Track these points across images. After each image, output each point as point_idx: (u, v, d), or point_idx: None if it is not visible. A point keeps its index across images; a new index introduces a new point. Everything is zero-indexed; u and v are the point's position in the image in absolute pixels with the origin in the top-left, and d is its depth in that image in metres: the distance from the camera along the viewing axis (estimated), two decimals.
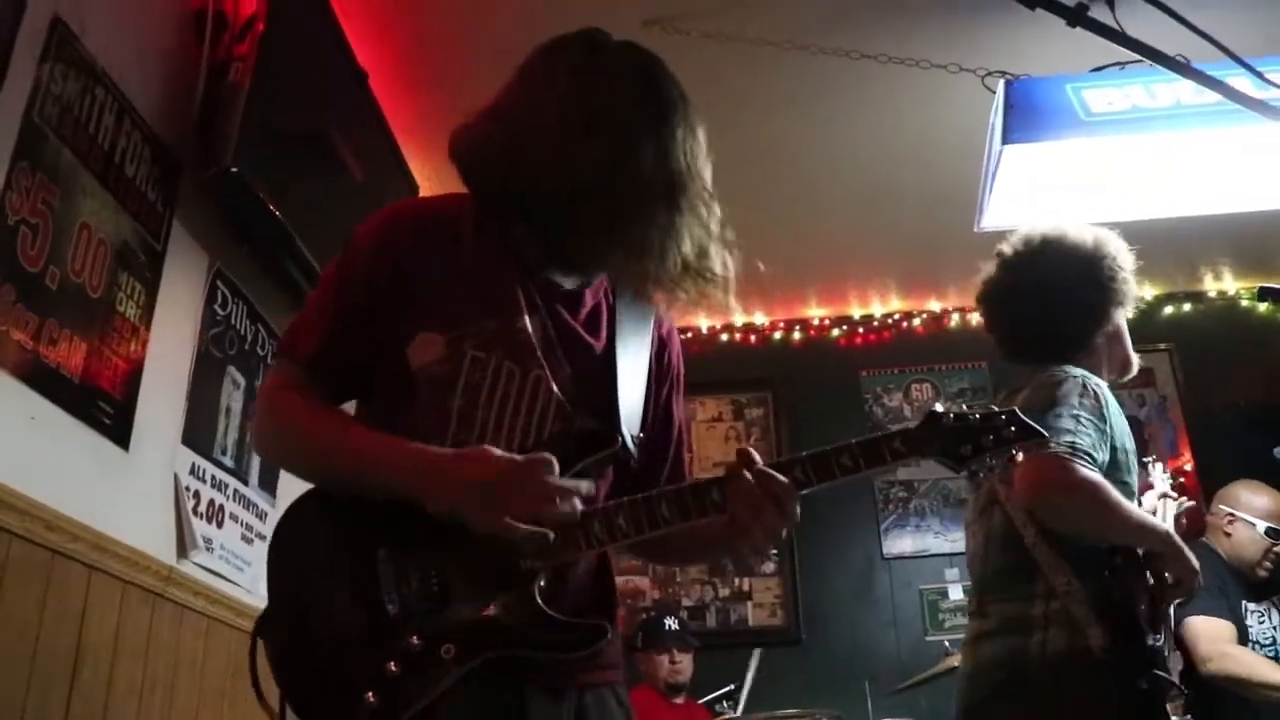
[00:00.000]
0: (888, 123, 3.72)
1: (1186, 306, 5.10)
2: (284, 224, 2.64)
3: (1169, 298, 5.10)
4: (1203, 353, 4.94)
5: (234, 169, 2.45)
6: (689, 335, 5.15)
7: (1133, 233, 3.99)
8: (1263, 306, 4.98)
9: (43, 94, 2.04)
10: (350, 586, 1.29)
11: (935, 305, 5.12)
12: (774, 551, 4.77)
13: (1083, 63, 2.99)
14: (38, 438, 2.00)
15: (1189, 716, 1.93)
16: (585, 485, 1.34)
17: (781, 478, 1.33)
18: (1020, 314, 2.27)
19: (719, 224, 1.50)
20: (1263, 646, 3.14)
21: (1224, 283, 5.05)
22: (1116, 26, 1.87)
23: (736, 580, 4.74)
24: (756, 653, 4.09)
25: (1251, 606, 3.21)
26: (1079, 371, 2.08)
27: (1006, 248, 2.33)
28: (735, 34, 3.29)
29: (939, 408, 1.38)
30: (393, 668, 1.24)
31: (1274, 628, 3.19)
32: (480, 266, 1.44)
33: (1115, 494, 1.90)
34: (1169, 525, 2.21)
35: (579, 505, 1.32)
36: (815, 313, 5.17)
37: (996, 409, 1.39)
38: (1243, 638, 3.10)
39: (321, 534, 1.34)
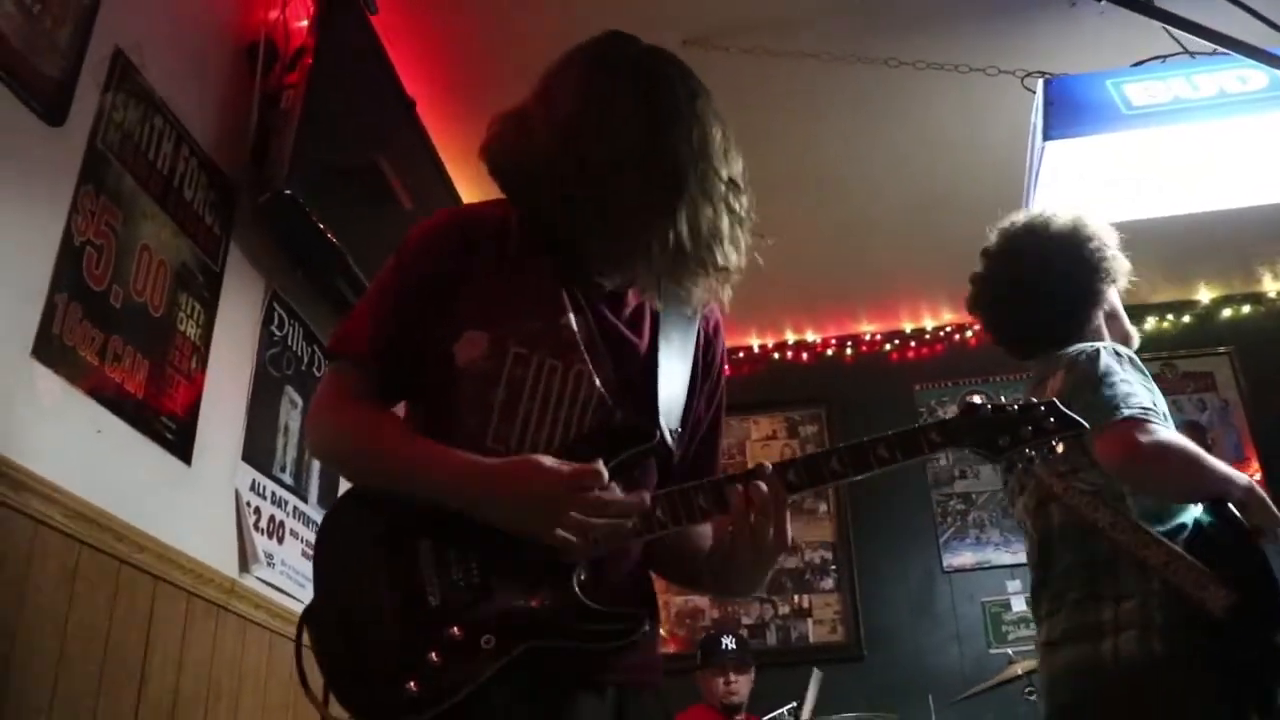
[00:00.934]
0: (930, 129, 3.73)
1: (1245, 308, 5.01)
2: (337, 245, 2.72)
3: (1226, 300, 5.02)
4: (1265, 355, 4.84)
5: (288, 191, 2.53)
6: (741, 355, 5.16)
7: (1185, 234, 3.97)
8: None
9: (105, 122, 2.14)
10: (393, 578, 1.31)
11: (989, 248, 5.07)
12: (833, 567, 4.74)
13: (1121, 59, 2.98)
14: (104, 450, 2.08)
15: None
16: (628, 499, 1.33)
17: (776, 483, 1.31)
18: (1019, 310, 2.26)
19: (742, 215, 1.50)
20: None
21: None
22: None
23: (796, 598, 4.71)
24: (816, 673, 4.06)
25: None
26: (1097, 344, 2.06)
27: (991, 247, 2.34)
28: (774, 49, 3.34)
29: (976, 399, 1.38)
30: (434, 657, 1.26)
31: None
32: (524, 269, 1.47)
33: (1197, 447, 1.87)
34: None
35: (628, 518, 1.32)
36: (867, 328, 5.16)
37: (1036, 400, 1.39)
38: None
39: (365, 528, 1.37)
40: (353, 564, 1.34)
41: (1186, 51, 2.99)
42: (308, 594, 2.73)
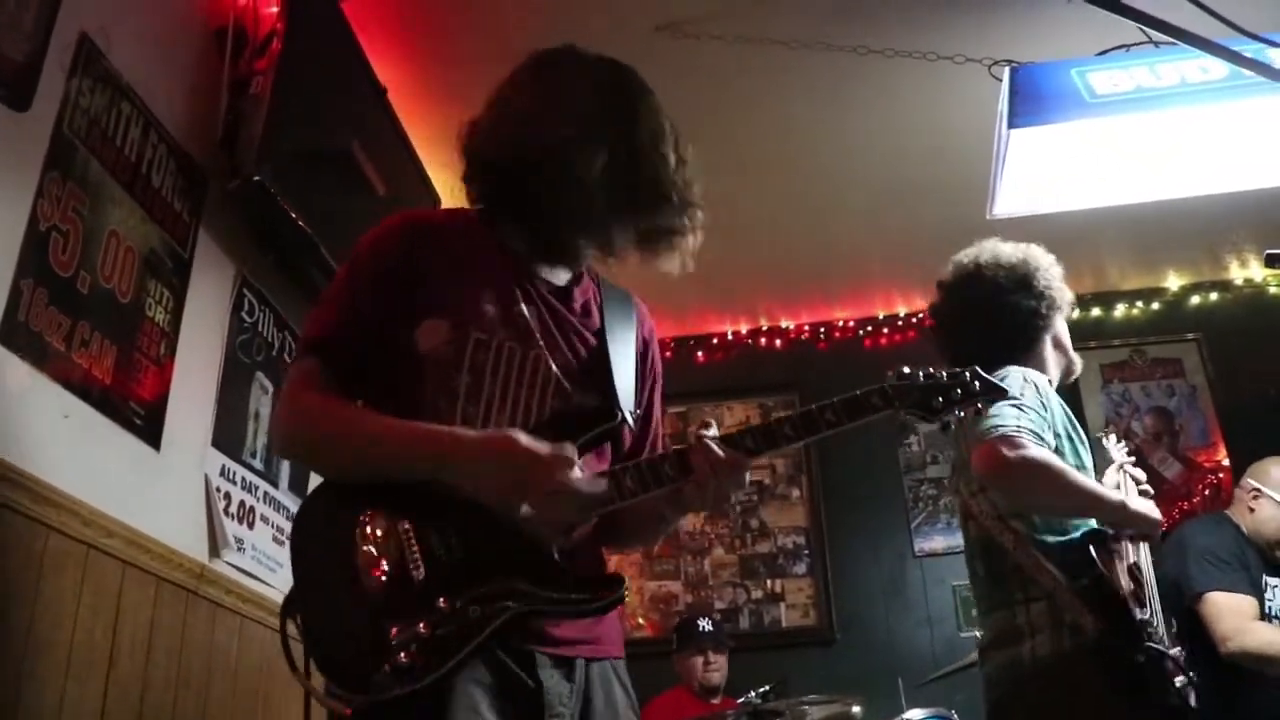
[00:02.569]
0: (899, 116, 3.75)
1: (1213, 295, 5.08)
2: (308, 232, 2.72)
3: (1195, 287, 5.09)
4: (1232, 341, 4.91)
5: (257, 178, 2.54)
6: (715, 341, 5.19)
7: (1154, 222, 4.02)
8: None
9: (71, 107, 2.13)
10: (376, 556, 1.36)
11: (944, 277, 5.13)
12: (805, 552, 4.79)
13: (1087, 48, 3.01)
14: (72, 436, 2.08)
15: (1190, 675, 1.97)
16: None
17: (735, 452, 1.43)
18: (966, 332, 2.42)
19: (693, 186, 1.64)
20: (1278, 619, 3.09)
21: (1250, 270, 5.01)
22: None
23: (769, 582, 4.75)
24: None
25: (1272, 580, 3.15)
26: (1018, 368, 2.22)
27: (945, 276, 2.51)
28: (744, 35, 3.35)
29: (907, 369, 1.51)
30: (423, 629, 1.31)
31: None
32: (477, 265, 1.56)
33: (1065, 466, 2.04)
34: (1132, 496, 2.31)
35: (589, 507, 1.41)
36: (840, 314, 5.19)
37: (962, 369, 1.52)
38: (1263, 612, 3.05)
39: (345, 512, 1.41)
40: (333, 547, 1.39)
41: (1150, 41, 3.03)
42: (278, 579, 2.76)
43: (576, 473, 1.37)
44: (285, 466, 2.93)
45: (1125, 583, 2.05)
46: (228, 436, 2.66)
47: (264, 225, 2.73)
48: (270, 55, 2.72)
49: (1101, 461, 2.60)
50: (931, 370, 1.51)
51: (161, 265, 2.42)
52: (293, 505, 2.94)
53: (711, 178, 3.97)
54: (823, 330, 5.19)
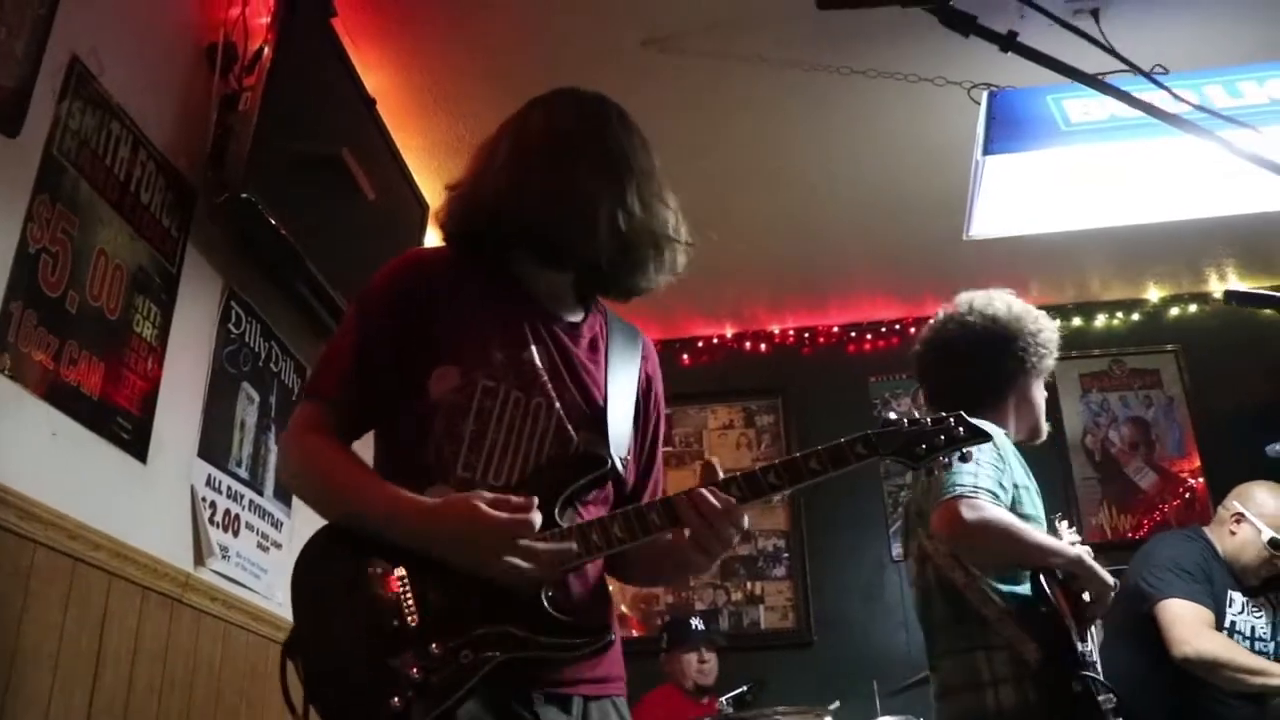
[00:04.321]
0: (882, 134, 3.81)
1: (1192, 308, 5.14)
2: (295, 246, 2.77)
3: (1174, 299, 5.15)
4: (1209, 354, 4.98)
5: (244, 195, 2.58)
6: (700, 345, 5.25)
7: (1136, 235, 4.08)
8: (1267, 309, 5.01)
9: (61, 130, 2.18)
10: (374, 604, 1.42)
11: (940, 311, 5.19)
12: (785, 555, 4.86)
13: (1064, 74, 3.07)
14: (60, 452, 2.14)
15: (1113, 693, 2.05)
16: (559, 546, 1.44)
17: (726, 497, 1.45)
18: (941, 370, 2.51)
19: (675, 209, 1.68)
20: (1248, 640, 3.16)
21: (1229, 283, 5.08)
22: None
23: (749, 584, 4.82)
24: None
25: (1237, 596, 3.21)
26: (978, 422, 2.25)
27: (941, 310, 2.58)
28: (729, 52, 3.40)
29: (893, 415, 1.53)
30: (416, 674, 1.36)
31: (1267, 623, 3.21)
32: (488, 304, 1.60)
33: (1020, 523, 2.11)
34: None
35: (556, 565, 1.43)
36: (824, 320, 5.25)
37: (946, 414, 1.55)
38: (1219, 625, 3.12)
39: (344, 559, 1.46)
40: (334, 593, 1.44)
41: (1125, 70, 3.09)
42: (262, 584, 2.82)
43: (532, 543, 1.40)
44: (270, 474, 2.99)
45: (1068, 612, 2.12)
46: (214, 446, 2.72)
47: (251, 240, 2.78)
48: (259, 71, 2.75)
49: None
50: (916, 416, 1.53)
51: (149, 282, 2.47)
52: (278, 512, 3.00)
53: (698, 185, 4.10)
54: (807, 335, 5.25)
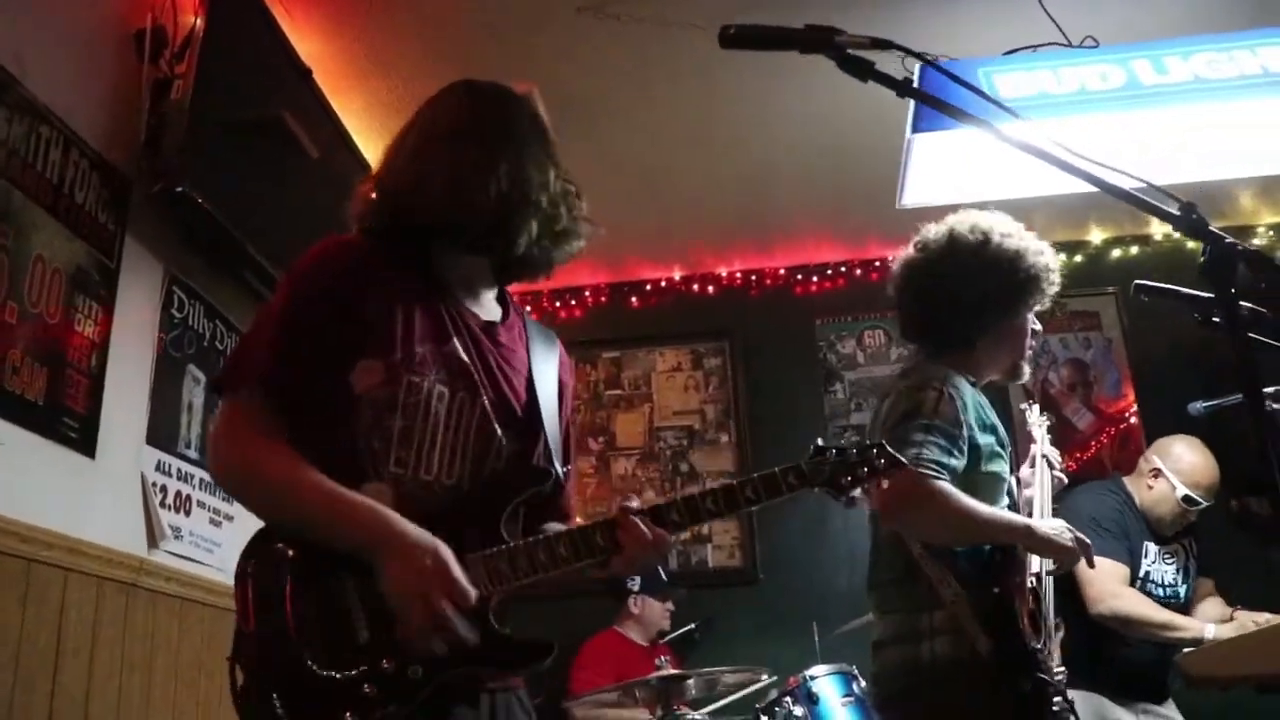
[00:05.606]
0: (819, 97, 3.83)
1: (1134, 249, 5.24)
2: (235, 235, 2.80)
3: (1116, 241, 5.24)
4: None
5: (180, 189, 2.60)
6: (648, 288, 5.31)
7: (1078, 180, 4.13)
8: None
9: None
10: (323, 617, 1.43)
11: (889, 254, 5.27)
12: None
13: (998, 42, 3.12)
14: (9, 460, 2.20)
15: (1069, 700, 2.07)
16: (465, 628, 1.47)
17: (660, 531, 1.53)
18: (925, 298, 2.38)
19: (575, 195, 1.74)
20: (1160, 587, 3.35)
21: (1169, 226, 5.17)
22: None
23: (710, 488, 4.96)
24: None
25: (1154, 547, 3.39)
26: (941, 376, 2.21)
27: (931, 230, 2.43)
28: (665, 18, 3.40)
29: (821, 442, 1.62)
30: (368, 689, 1.40)
31: (1177, 570, 3.41)
32: (409, 298, 1.61)
33: (962, 498, 2.04)
34: (1046, 490, 2.43)
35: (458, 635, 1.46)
36: (770, 263, 5.31)
37: (869, 443, 1.62)
38: (1134, 578, 3.31)
39: (288, 570, 1.46)
40: (281, 606, 1.43)
41: (1058, 43, 3.14)
42: (216, 558, 2.93)
43: (456, 623, 1.43)
44: None
45: (1024, 603, 2.11)
46: (162, 432, 2.78)
47: (190, 229, 2.80)
48: (192, 49, 2.73)
49: (1022, 438, 2.68)
50: (843, 445, 1.60)
51: (88, 279, 2.50)
52: None
53: (638, 141, 4.07)
54: (754, 277, 5.32)
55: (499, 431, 1.60)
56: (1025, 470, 2.52)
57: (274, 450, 1.50)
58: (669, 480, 5.04)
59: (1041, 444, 2.61)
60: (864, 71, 1.61)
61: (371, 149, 3.82)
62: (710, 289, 5.32)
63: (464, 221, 1.62)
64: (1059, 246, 5.15)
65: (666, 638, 4.46)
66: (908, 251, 2.46)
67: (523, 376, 1.70)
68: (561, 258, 1.73)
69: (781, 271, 5.32)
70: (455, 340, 1.61)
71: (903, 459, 1.63)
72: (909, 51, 1.61)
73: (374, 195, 1.68)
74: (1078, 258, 5.24)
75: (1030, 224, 5.24)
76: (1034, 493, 2.45)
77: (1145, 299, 1.99)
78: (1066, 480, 2.56)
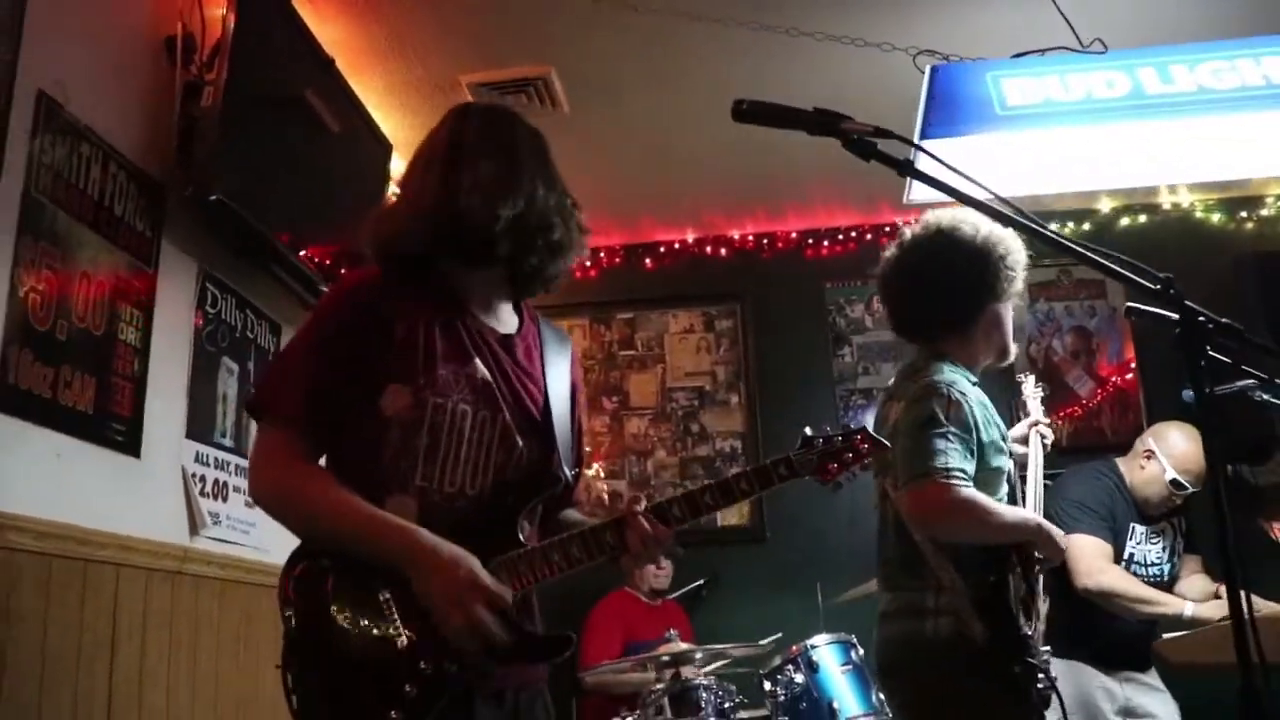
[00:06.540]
0: (829, 94, 3.85)
1: (1142, 218, 5.28)
2: (267, 236, 2.92)
3: (1125, 209, 5.27)
4: (1154, 264, 5.11)
5: (213, 197, 2.71)
6: (662, 249, 5.40)
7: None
8: (1215, 218, 5.19)
9: (36, 168, 2.30)
10: (365, 625, 1.59)
11: (906, 232, 5.33)
12: (741, 455, 5.18)
13: (1007, 43, 3.17)
14: (64, 470, 2.36)
15: (1052, 679, 2.21)
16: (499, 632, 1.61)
17: (664, 528, 1.66)
18: (908, 293, 2.50)
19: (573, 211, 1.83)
20: (1144, 567, 3.51)
21: (1179, 195, 5.21)
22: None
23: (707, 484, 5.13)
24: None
25: (1140, 527, 3.54)
26: (943, 377, 2.33)
27: (907, 231, 2.55)
28: (678, 9, 3.44)
29: (809, 431, 1.73)
30: (409, 689, 1.56)
31: (1163, 549, 3.56)
32: (431, 323, 1.72)
33: (990, 505, 2.21)
34: (1038, 466, 2.62)
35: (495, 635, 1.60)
36: (782, 226, 5.38)
37: (854, 429, 1.74)
38: (1118, 557, 3.46)
39: (331, 585, 1.61)
40: (325, 615, 1.58)
41: (1065, 48, 3.19)
42: (252, 539, 3.11)
43: (491, 624, 1.57)
44: (251, 435, 3.21)
45: (1018, 587, 2.26)
46: (200, 424, 2.94)
47: (221, 228, 2.91)
48: (220, 58, 2.81)
49: (1017, 404, 2.92)
50: (829, 433, 1.72)
51: (128, 286, 2.63)
52: None
53: (655, 108, 4.07)
54: (766, 240, 5.40)
55: (520, 442, 1.72)
56: (1019, 449, 2.67)
57: (308, 475, 1.65)
58: (680, 440, 5.20)
59: (1035, 414, 2.82)
60: (868, 153, 1.70)
61: (391, 128, 3.91)
62: (723, 251, 5.40)
63: (484, 239, 1.72)
64: (1067, 215, 5.30)
65: (675, 594, 4.64)
66: (889, 251, 2.58)
67: (539, 383, 1.82)
68: (566, 269, 1.83)
69: (793, 235, 5.39)
70: (476, 359, 1.72)
71: (885, 442, 1.74)
72: (906, 140, 1.70)
73: (399, 221, 1.77)
74: (1086, 225, 5.29)
75: (1039, 198, 5.26)
76: (1029, 471, 2.64)
77: (1134, 320, 2.09)
78: (1051, 439, 2.75)
